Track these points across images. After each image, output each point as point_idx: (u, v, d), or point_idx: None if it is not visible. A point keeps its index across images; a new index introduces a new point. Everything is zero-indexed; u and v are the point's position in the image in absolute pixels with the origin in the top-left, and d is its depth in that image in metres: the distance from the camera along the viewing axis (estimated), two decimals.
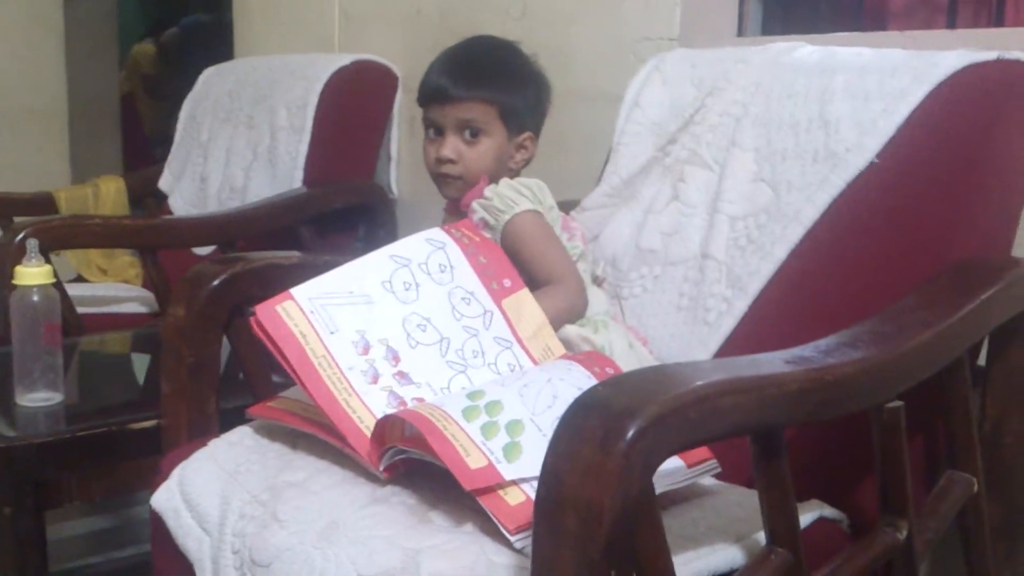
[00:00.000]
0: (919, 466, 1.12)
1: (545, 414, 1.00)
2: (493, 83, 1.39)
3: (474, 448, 0.96)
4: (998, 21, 2.08)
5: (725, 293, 1.32)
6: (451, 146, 1.39)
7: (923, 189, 1.21)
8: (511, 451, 0.96)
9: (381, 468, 1.03)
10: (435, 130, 1.41)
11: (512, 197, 1.35)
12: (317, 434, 1.11)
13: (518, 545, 0.89)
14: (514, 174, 1.42)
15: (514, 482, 0.94)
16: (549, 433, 0.73)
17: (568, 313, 1.31)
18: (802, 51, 1.41)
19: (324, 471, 1.08)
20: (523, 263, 1.31)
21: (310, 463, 1.10)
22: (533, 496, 0.73)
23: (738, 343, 1.29)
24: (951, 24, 2.13)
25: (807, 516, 1.03)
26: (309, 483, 1.06)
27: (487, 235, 1.33)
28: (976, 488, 1.13)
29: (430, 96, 1.41)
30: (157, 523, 1.17)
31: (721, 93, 1.43)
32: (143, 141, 4.66)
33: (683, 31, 1.79)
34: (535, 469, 0.72)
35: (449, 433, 0.96)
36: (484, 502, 0.93)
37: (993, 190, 1.21)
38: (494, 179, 1.39)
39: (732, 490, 1.09)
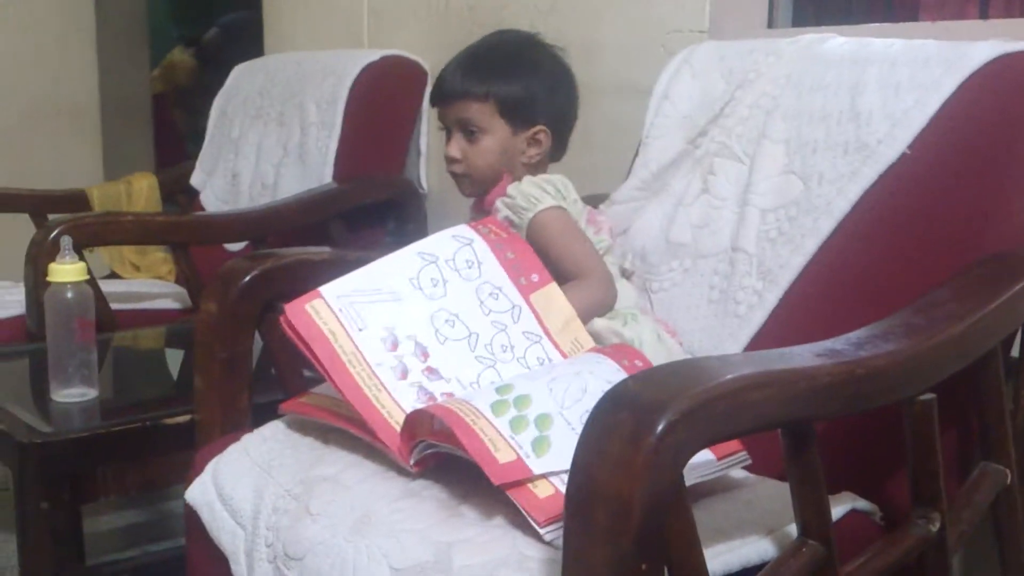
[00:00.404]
0: (952, 458, 1.11)
1: (574, 408, 1.00)
2: (487, 80, 1.38)
3: (503, 443, 0.96)
4: None
5: (756, 286, 1.32)
6: (455, 145, 1.40)
7: (955, 180, 1.20)
8: (540, 445, 0.96)
9: (411, 462, 1.04)
10: (446, 130, 1.42)
11: (535, 194, 1.35)
12: (348, 429, 1.12)
13: (547, 537, 0.90)
14: (534, 169, 1.41)
15: (543, 475, 0.94)
16: (578, 427, 0.73)
17: (597, 307, 1.31)
18: (833, 42, 1.39)
19: (356, 465, 1.09)
20: (550, 259, 1.30)
21: (342, 457, 1.11)
22: (562, 489, 0.73)
23: (769, 336, 1.29)
24: (983, 14, 2.10)
25: (839, 508, 1.02)
26: (341, 477, 1.07)
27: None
28: (1010, 480, 1.12)
29: (433, 97, 1.44)
30: (191, 517, 1.18)
31: (751, 85, 1.42)
32: (175, 137, 4.69)
33: (713, 23, 1.78)
34: (564, 463, 0.73)
35: (478, 428, 0.97)
36: (513, 495, 0.93)
37: None
38: (517, 176, 1.38)
39: (763, 482, 1.09)
